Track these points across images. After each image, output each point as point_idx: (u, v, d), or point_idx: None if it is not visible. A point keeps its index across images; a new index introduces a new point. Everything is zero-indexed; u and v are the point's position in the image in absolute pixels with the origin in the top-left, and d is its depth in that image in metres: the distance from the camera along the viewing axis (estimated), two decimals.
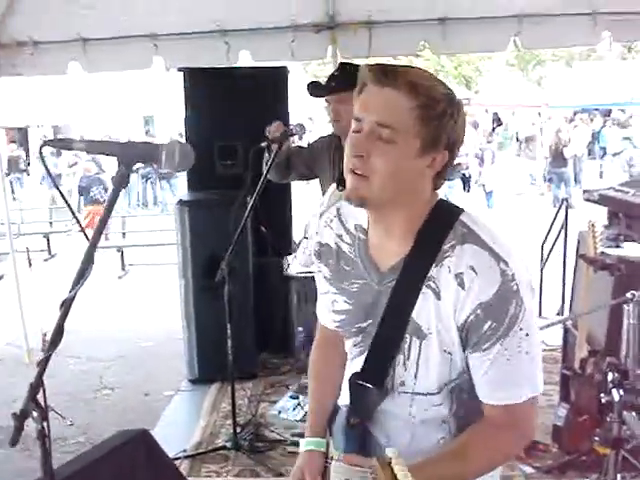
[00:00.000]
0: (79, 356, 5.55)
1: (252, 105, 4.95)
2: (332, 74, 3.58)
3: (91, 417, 4.52)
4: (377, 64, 1.42)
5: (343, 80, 3.41)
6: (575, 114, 20.33)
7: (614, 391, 2.71)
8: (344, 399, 1.66)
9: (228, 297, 3.73)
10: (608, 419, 2.82)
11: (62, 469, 2.25)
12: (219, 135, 5.10)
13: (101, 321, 6.62)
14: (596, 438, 3.01)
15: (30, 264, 9.85)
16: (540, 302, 5.60)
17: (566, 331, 4.07)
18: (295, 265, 4.18)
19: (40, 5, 4.91)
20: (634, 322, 2.98)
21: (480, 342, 1.41)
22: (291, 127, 3.56)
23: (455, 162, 1.50)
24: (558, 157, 14.47)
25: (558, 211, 6.41)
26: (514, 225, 9.47)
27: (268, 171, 3.54)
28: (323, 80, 3.71)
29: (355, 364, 1.59)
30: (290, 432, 4.05)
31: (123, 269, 9.49)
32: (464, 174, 15.02)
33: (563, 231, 6.14)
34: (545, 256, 6.36)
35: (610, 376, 2.74)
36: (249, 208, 3.67)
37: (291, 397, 4.45)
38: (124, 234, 10.63)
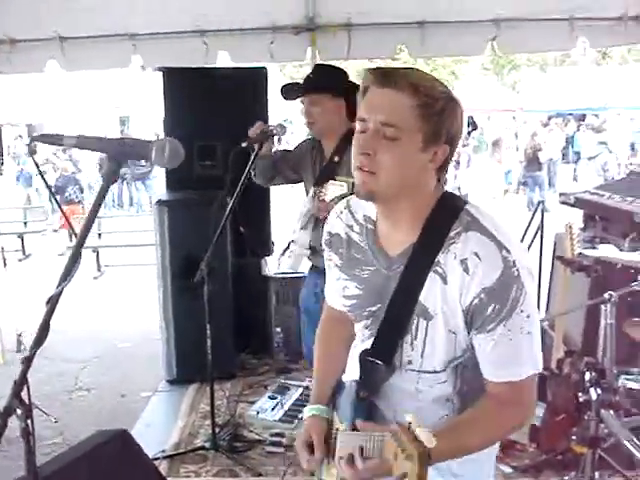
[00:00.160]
0: (54, 357, 5.49)
1: (231, 105, 4.95)
2: (307, 76, 3.56)
3: (67, 418, 4.46)
4: (378, 68, 1.51)
5: (315, 82, 3.40)
6: (550, 118, 20.59)
7: (592, 390, 2.76)
8: (351, 375, 1.75)
9: (207, 297, 3.73)
10: (586, 417, 2.87)
11: (42, 468, 2.22)
12: (198, 135, 5.04)
13: (77, 322, 6.52)
14: (573, 437, 3.07)
15: (5, 264, 9.75)
16: None
17: (543, 332, 4.11)
18: (283, 267, 4.16)
19: (18, 3, 4.85)
20: (611, 322, 3.03)
21: (484, 324, 1.50)
22: (271, 127, 3.55)
23: None
24: (533, 161, 14.63)
25: (534, 214, 6.46)
26: None
27: (249, 171, 3.53)
28: (301, 82, 3.68)
29: (365, 345, 1.67)
30: (269, 432, 4.05)
31: (99, 270, 9.42)
32: None
33: (539, 233, 6.19)
34: None
35: (587, 375, 2.79)
36: (229, 208, 3.66)
37: (270, 397, 4.45)
38: (100, 235, 10.55)
